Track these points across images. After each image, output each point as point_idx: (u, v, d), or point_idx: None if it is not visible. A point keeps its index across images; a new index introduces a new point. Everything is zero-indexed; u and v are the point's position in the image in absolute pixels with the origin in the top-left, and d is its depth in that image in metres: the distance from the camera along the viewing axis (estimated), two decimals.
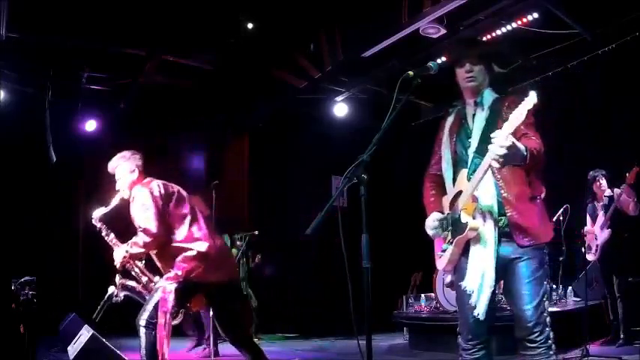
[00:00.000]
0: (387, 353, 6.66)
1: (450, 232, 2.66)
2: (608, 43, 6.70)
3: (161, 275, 3.99)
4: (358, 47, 7.10)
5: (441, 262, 2.73)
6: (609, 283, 6.04)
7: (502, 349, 2.73)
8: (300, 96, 8.49)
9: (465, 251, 2.62)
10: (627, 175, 5.69)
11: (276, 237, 8.64)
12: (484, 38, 6.71)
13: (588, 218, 6.23)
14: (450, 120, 2.81)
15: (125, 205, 3.98)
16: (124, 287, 3.97)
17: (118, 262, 3.87)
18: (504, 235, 2.55)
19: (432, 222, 2.75)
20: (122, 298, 4.47)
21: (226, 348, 5.97)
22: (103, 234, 4.06)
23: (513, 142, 2.29)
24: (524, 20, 6.37)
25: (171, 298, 3.66)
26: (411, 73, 2.55)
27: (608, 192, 6.01)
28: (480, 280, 2.51)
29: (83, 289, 8.41)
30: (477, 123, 2.65)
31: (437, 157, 2.86)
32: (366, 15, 6.81)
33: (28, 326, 4.92)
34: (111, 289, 4.80)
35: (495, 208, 2.54)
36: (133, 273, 3.98)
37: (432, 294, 7.01)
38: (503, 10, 6.24)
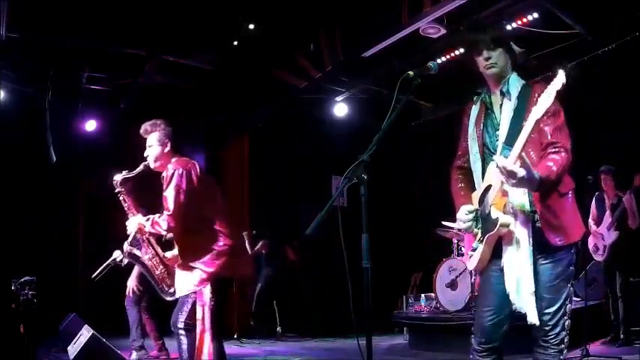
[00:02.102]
0: (387, 353, 6.66)
1: (480, 230, 2.54)
2: (608, 43, 6.69)
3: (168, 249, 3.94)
4: (358, 47, 7.10)
5: (472, 262, 2.60)
6: (612, 282, 6.04)
7: (505, 349, 2.70)
8: (300, 96, 8.49)
9: (495, 252, 2.51)
10: (635, 176, 5.69)
11: (276, 237, 8.63)
12: None
13: (593, 209, 6.19)
14: (475, 109, 2.67)
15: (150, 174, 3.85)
16: (130, 255, 3.89)
17: (131, 232, 3.75)
18: (535, 233, 2.43)
19: (464, 215, 2.57)
20: (125, 264, 4.43)
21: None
22: (121, 199, 3.93)
23: (522, 176, 2.23)
24: (524, 20, 6.36)
25: (207, 291, 3.54)
26: (411, 73, 2.52)
27: (618, 192, 5.99)
28: (515, 285, 2.41)
29: (83, 289, 8.41)
30: (505, 114, 2.52)
31: (463, 148, 2.73)
32: (366, 15, 6.81)
33: (28, 326, 4.92)
34: (116, 254, 4.80)
35: (527, 206, 2.43)
36: (142, 244, 3.85)
37: (432, 294, 7.02)
38: (503, 10, 6.23)
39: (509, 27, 6.41)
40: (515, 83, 2.56)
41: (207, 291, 3.56)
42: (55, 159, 7.89)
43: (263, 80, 8.29)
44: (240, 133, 9.68)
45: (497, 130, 2.54)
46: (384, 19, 6.64)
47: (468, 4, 5.93)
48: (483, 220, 2.52)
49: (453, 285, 6.59)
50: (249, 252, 8.19)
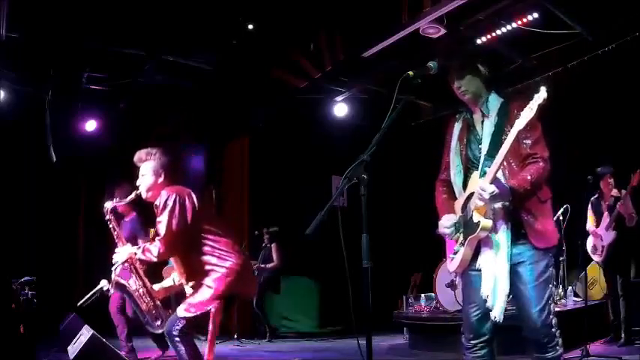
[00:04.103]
0: (387, 353, 6.65)
1: (461, 234, 2.69)
2: (608, 43, 6.69)
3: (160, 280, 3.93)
4: (358, 47, 7.10)
5: (453, 265, 2.76)
6: (612, 282, 6.03)
7: (504, 349, 2.74)
8: (300, 96, 8.49)
9: (476, 253, 2.66)
10: (632, 175, 5.68)
11: (273, 236, 8.63)
12: (483, 38, 6.72)
13: (590, 213, 6.19)
14: (457, 127, 2.84)
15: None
16: (118, 285, 3.84)
17: (119, 261, 3.69)
18: (516, 236, 2.59)
19: (446, 222, 2.78)
20: (112, 293, 4.37)
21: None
22: (111, 226, 3.90)
23: (493, 192, 2.47)
24: (524, 20, 6.36)
25: (217, 310, 3.51)
26: (411, 73, 2.55)
27: (615, 192, 5.98)
28: (492, 284, 2.56)
29: (83, 289, 8.41)
30: (486, 129, 2.69)
31: (446, 162, 2.90)
32: (366, 15, 6.81)
33: (28, 326, 4.91)
34: (103, 283, 4.71)
35: (508, 204, 2.57)
36: (129, 273, 3.77)
37: (432, 294, 7.02)
38: (503, 10, 6.24)
39: (504, 28, 6.43)
40: (494, 102, 2.72)
41: (216, 311, 3.53)
42: (55, 159, 7.90)
43: (263, 80, 8.29)
44: (241, 133, 9.68)
45: (480, 144, 2.70)
46: (384, 19, 6.64)
47: (468, 4, 5.93)
48: (465, 224, 2.68)
49: (453, 285, 6.58)
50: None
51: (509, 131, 2.54)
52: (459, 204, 2.75)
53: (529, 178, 2.53)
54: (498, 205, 2.56)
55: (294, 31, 7.38)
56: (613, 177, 6.02)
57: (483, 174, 2.60)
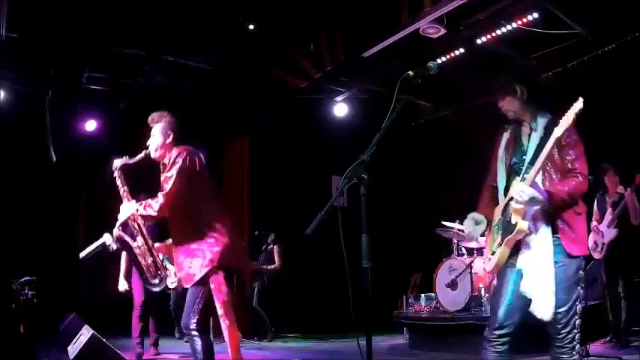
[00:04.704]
0: (387, 353, 6.66)
1: (500, 236, 2.82)
2: (608, 43, 6.69)
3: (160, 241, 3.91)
4: (358, 47, 7.10)
5: (490, 265, 2.88)
6: (613, 283, 6.01)
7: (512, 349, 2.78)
8: (300, 96, 8.49)
9: (513, 253, 2.76)
10: (637, 175, 5.67)
11: (276, 237, 8.64)
12: (483, 38, 6.72)
13: (595, 209, 6.18)
14: (506, 136, 2.99)
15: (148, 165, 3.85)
16: (119, 240, 3.81)
17: (122, 217, 3.69)
18: (554, 240, 2.69)
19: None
20: (114, 249, 4.36)
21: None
22: (118, 183, 3.89)
23: (532, 194, 2.61)
24: (524, 20, 6.37)
25: (221, 285, 3.51)
26: (411, 73, 2.57)
27: (620, 188, 5.96)
28: (537, 286, 2.64)
29: (83, 289, 8.41)
30: (532, 142, 2.83)
31: (493, 170, 3.03)
32: (366, 15, 6.81)
33: (28, 326, 4.91)
34: (106, 237, 4.69)
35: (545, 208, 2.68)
36: (132, 230, 3.77)
37: (432, 294, 7.02)
38: (503, 10, 6.24)
39: (504, 28, 6.42)
40: (542, 120, 2.86)
41: (221, 285, 3.53)
42: (55, 159, 7.89)
43: (263, 80, 8.29)
44: (241, 133, 9.68)
45: (524, 155, 2.85)
46: (384, 19, 6.64)
47: (468, 4, 5.94)
48: (504, 226, 2.79)
49: (453, 285, 6.59)
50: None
51: (554, 146, 2.67)
52: (499, 208, 2.88)
53: (566, 189, 2.68)
54: (536, 208, 2.66)
55: (294, 31, 7.38)
56: (617, 173, 6.01)
57: (523, 180, 2.73)
